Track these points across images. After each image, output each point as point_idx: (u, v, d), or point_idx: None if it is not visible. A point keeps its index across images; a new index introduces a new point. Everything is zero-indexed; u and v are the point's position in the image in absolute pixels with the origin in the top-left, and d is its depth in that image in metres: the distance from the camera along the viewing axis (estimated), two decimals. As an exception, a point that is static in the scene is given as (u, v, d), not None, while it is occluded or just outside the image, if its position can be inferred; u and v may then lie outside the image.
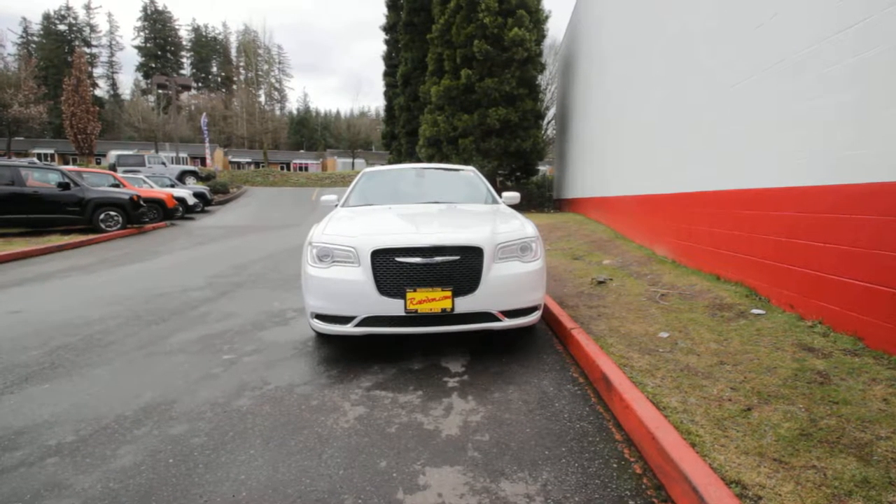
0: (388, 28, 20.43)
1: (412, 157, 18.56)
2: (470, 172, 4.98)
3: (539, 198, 15.33)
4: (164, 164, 21.01)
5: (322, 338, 3.58)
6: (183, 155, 27.67)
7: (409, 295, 2.86)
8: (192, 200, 15.50)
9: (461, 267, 2.94)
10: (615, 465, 1.88)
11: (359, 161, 49.09)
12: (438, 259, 2.92)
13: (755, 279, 4.07)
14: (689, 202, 5.30)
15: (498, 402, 2.46)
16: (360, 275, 2.93)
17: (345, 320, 2.97)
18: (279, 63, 52.60)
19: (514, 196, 4.59)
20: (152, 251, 8.46)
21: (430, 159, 15.10)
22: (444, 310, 2.88)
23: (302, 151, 56.42)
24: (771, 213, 3.85)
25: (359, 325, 2.94)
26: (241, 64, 50.51)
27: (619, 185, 8.27)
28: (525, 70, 14.06)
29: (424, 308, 2.87)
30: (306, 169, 46.93)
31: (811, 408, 2.18)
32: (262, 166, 42.49)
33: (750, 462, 1.75)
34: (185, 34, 57.47)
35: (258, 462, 1.94)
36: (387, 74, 21.20)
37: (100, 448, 2.07)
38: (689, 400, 2.29)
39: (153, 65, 54.58)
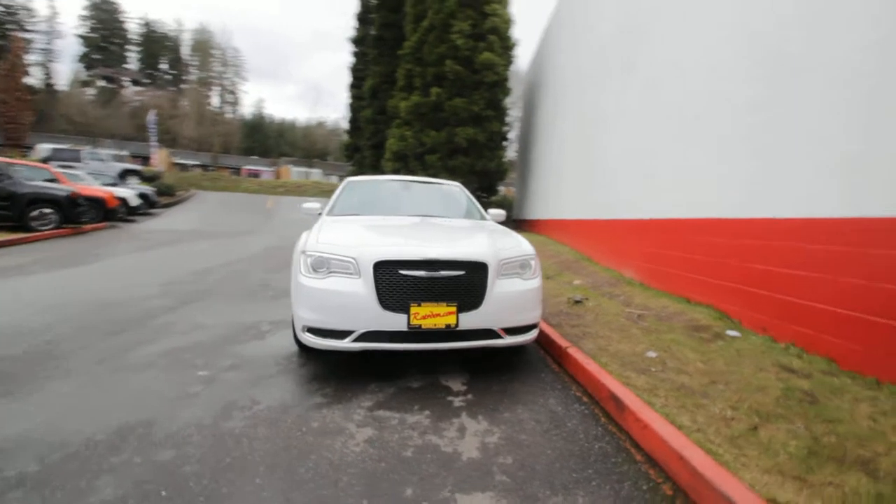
0: (357, 41, 20.37)
1: (376, 169, 18.38)
2: (455, 188, 4.97)
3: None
4: (102, 160, 19.46)
5: (307, 354, 3.37)
6: (123, 153, 25.79)
7: (414, 309, 2.75)
8: (135, 201, 14.42)
9: (466, 282, 2.88)
10: (645, 487, 1.87)
11: (315, 171, 48.01)
12: (444, 273, 2.84)
13: (726, 303, 4.30)
14: (661, 228, 5.56)
15: (510, 423, 2.40)
16: (361, 287, 2.80)
17: (341, 335, 2.80)
18: (235, 66, 50.75)
19: (500, 213, 4.61)
20: (94, 254, 7.72)
21: (395, 173, 15.00)
22: (448, 326, 2.79)
23: (255, 157, 54.38)
24: (741, 241, 4.10)
25: (357, 340, 2.78)
26: (195, 63, 48.24)
27: (584, 210, 8.57)
28: (494, 93, 14.41)
29: (428, 323, 2.77)
30: (258, 176, 45.23)
31: (809, 426, 2.29)
32: (211, 170, 40.48)
33: (774, 480, 1.79)
34: (134, 27, 54.31)
35: (267, 493, 1.75)
36: (353, 86, 21.02)
37: (72, 479, 1.79)
38: (698, 419, 2.33)
39: (97, 56, 50.90)
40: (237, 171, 45.33)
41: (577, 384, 2.97)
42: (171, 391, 2.64)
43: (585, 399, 2.74)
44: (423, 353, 3.35)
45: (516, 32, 14.72)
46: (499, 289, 2.96)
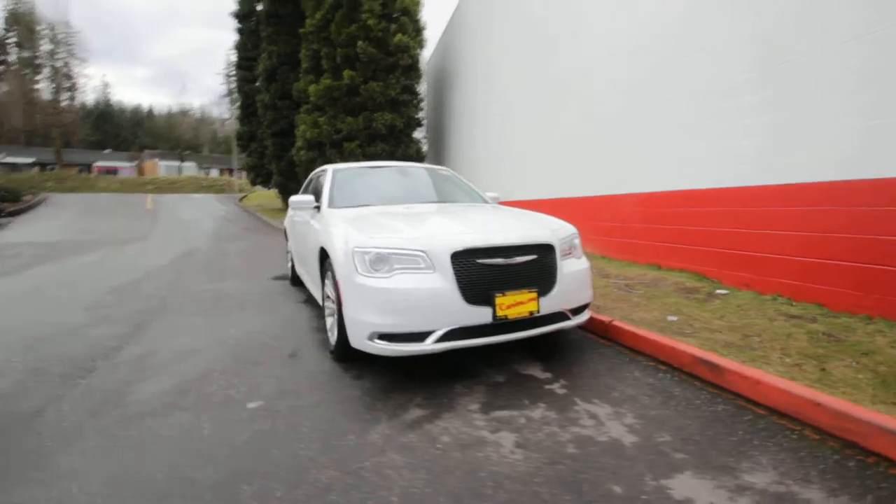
0: (243, 16, 18.20)
1: (281, 160, 16.91)
2: (449, 172, 4.77)
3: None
4: None
5: (353, 364, 2.98)
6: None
7: (499, 300, 2.58)
8: (-31, 211, 11.39)
9: (540, 266, 2.79)
10: (794, 437, 2.00)
11: (188, 164, 42.60)
12: (519, 259, 2.71)
13: (702, 265, 4.80)
14: (623, 203, 5.97)
15: (627, 402, 2.39)
16: (439, 281, 2.54)
17: (420, 337, 2.53)
18: (69, 45, 42.14)
19: (496, 196, 4.55)
20: (-51, 281, 5.92)
21: (311, 163, 13.99)
22: (531, 313, 2.68)
23: (108, 152, 46.31)
24: (717, 208, 4.60)
25: (440, 339, 2.53)
26: (12, 41, 38.86)
27: (535, 190, 8.88)
28: (409, 76, 14.10)
29: (513, 313, 2.63)
30: (116, 173, 38.80)
31: (857, 360, 2.66)
32: (52, 168, 33.63)
33: (888, 410, 2.05)
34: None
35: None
36: (241, 67, 18.78)
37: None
38: (779, 369, 2.58)
39: None
40: (87, 167, 38.38)
41: (643, 354, 3.08)
42: (232, 436, 2.13)
43: (663, 367, 2.85)
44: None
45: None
46: (565, 269, 2.92)
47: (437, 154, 15.77)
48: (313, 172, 5.44)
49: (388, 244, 2.65)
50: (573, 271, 2.98)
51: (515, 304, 2.64)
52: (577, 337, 3.52)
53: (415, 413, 2.31)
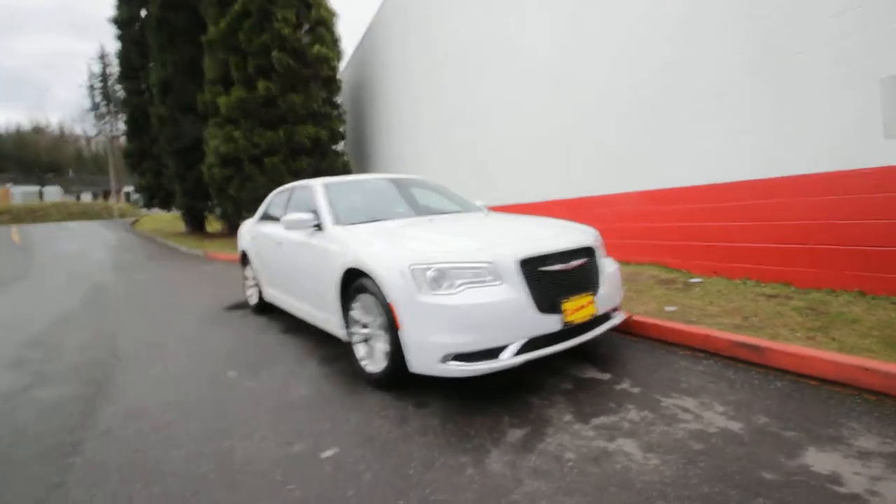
0: (124, 23, 16.02)
1: (186, 179, 15.19)
2: (437, 183, 4.64)
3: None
4: None
5: (393, 391, 2.73)
6: None
7: (566, 305, 2.57)
8: None
9: (590, 268, 2.84)
10: (859, 400, 2.24)
11: (51, 189, 36.48)
12: (575, 263, 2.73)
13: (669, 258, 5.26)
14: (588, 205, 6.29)
15: (702, 391, 2.48)
16: (510, 292, 2.45)
17: (493, 353, 2.41)
18: None
19: (485, 204, 4.55)
20: None
21: (227, 181, 12.83)
22: (592, 315, 2.70)
23: (-67, 177, 37.93)
24: (679, 206, 5.07)
25: (518, 353, 2.43)
26: None
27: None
28: (330, 89, 13.64)
29: (578, 317, 2.63)
30: (-52, 202, 31.87)
31: (850, 328, 3.07)
32: None
33: (915, 366, 2.39)
34: None
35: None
36: (126, 77, 16.51)
37: None
38: (803, 343, 2.88)
39: None
40: None
41: (674, 345, 3.25)
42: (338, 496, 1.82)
43: (700, 354, 3.04)
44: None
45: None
46: (606, 270, 3.00)
47: (362, 167, 15.36)
48: (278, 191, 4.97)
49: (449, 259, 2.49)
50: (611, 272, 3.07)
51: (579, 308, 2.64)
52: (602, 335, 3.61)
53: (515, 434, 2.18)
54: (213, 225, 17.66)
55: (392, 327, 2.54)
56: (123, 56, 16.78)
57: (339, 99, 14.40)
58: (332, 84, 13.73)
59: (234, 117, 12.77)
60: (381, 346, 2.70)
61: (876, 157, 3.47)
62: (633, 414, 2.29)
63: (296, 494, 1.82)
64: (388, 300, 2.52)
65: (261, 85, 12.36)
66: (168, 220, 21.06)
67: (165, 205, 16.80)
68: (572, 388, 2.66)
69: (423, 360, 2.43)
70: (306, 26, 13.22)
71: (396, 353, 2.56)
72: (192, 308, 5.53)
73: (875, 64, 3.41)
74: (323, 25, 13.36)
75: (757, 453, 1.87)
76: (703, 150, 4.78)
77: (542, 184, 7.01)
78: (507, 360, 2.40)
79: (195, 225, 17.48)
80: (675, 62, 4.95)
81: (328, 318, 3.36)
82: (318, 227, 3.48)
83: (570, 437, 2.11)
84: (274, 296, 4.53)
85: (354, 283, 2.89)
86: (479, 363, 2.38)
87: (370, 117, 14.60)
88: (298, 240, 3.68)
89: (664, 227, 5.28)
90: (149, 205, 17.46)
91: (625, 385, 2.64)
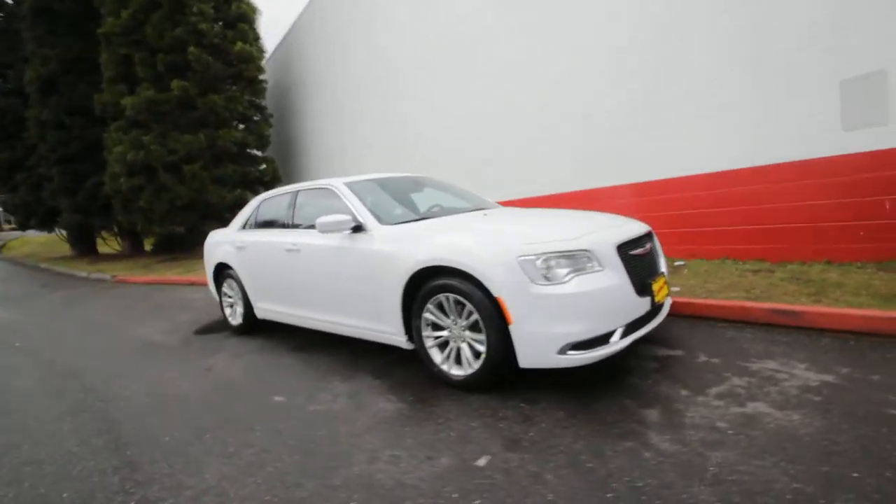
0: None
1: (77, 193, 13.00)
2: (436, 178, 4.53)
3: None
4: None
5: (485, 395, 2.61)
6: None
7: (654, 287, 2.68)
8: None
9: (655, 252, 2.99)
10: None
11: None
12: (648, 246, 2.85)
13: (647, 246, 5.70)
14: (574, 200, 6.57)
15: (776, 355, 2.70)
16: (613, 278, 2.49)
17: (604, 339, 2.42)
18: None
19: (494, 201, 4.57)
20: None
21: (136, 192, 11.27)
22: (668, 296, 2.84)
23: None
24: (658, 196, 5.53)
25: (623, 336, 2.47)
26: None
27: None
28: (255, 90, 12.67)
29: (661, 297, 2.76)
30: None
31: (840, 290, 3.59)
32: None
33: (922, 314, 2.88)
34: None
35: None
36: (-12, 74, 13.67)
37: None
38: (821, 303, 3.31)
39: None
40: None
41: (711, 319, 3.53)
42: None
43: (739, 325, 3.34)
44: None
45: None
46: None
47: (288, 173, 14.23)
48: (267, 195, 4.49)
49: (555, 248, 2.44)
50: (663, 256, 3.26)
51: (660, 288, 2.76)
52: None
53: (652, 414, 2.19)
54: (110, 245, 15.34)
55: (490, 325, 2.43)
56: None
57: (263, 101, 13.41)
58: (256, 85, 12.76)
59: (143, 120, 11.27)
60: (469, 347, 2.58)
61: (840, 147, 4.12)
62: (737, 381, 2.45)
63: (487, 508, 1.65)
64: (496, 295, 2.40)
65: (175, 84, 11.07)
66: (43, 241, 17.83)
67: (46, 224, 14.19)
68: (658, 366, 2.77)
69: (539, 353, 2.35)
70: (221, 22, 12.16)
71: (496, 352, 2.44)
72: (149, 339, 4.73)
73: (840, 69, 4.06)
74: (245, 21, 12.37)
75: (869, 395, 2.11)
76: (686, 145, 5.28)
77: (514, 182, 7.19)
78: (616, 344, 2.42)
79: (84, 246, 15.02)
80: (656, 64, 5.41)
81: (377, 326, 3.10)
82: (357, 228, 3.21)
83: (704, 408, 2.19)
84: (273, 311, 4.07)
85: (426, 284, 2.72)
86: (594, 350, 2.37)
87: (299, 120, 13.75)
88: (331, 244, 3.34)
89: (645, 216, 5.70)
90: (24, 226, 14.58)
91: (704, 358, 2.81)
